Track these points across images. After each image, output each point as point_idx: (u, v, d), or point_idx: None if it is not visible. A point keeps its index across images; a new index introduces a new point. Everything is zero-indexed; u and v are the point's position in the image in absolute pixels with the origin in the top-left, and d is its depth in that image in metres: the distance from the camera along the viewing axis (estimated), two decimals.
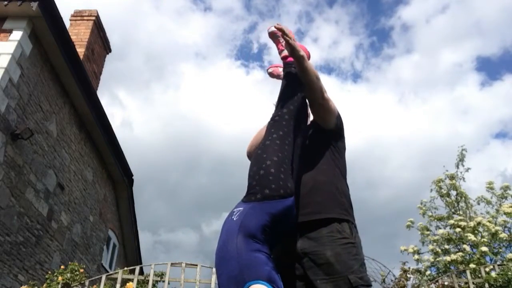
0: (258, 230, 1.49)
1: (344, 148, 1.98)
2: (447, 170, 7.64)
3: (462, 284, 4.95)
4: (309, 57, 2.08)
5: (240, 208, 1.58)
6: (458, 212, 7.29)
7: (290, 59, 1.98)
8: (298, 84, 1.86)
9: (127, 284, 4.35)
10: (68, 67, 6.82)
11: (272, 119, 1.82)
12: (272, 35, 2.06)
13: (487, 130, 43.90)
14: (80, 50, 8.27)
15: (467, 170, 7.53)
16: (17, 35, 5.74)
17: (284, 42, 1.76)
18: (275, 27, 1.70)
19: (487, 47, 39.15)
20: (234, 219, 1.55)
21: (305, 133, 2.04)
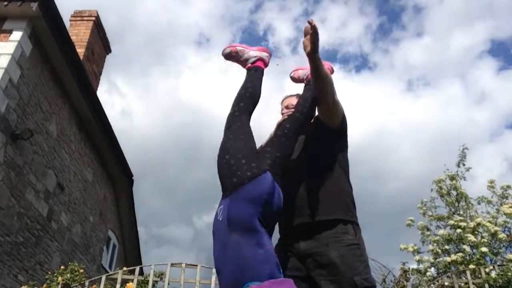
0: (249, 220, 1.47)
1: (346, 147, 1.99)
2: (447, 169, 7.65)
3: (462, 285, 4.94)
4: (332, 72, 2.11)
5: (221, 206, 1.58)
6: (458, 212, 7.29)
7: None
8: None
9: (127, 284, 4.35)
10: (68, 68, 6.82)
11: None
12: (228, 56, 2.10)
13: (501, 119, 42.44)
14: (80, 51, 8.27)
15: (468, 169, 7.54)
16: (17, 35, 5.74)
17: (306, 40, 1.70)
18: (308, 21, 1.65)
19: (501, 30, 37.57)
20: (220, 219, 1.54)
21: (308, 132, 2.05)
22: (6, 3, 5.64)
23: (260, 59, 2.07)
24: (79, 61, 7.21)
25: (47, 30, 6.09)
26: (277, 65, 2.24)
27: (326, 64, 2.00)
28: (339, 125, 1.91)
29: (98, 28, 9.23)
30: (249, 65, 2.06)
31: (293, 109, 2.08)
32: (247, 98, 1.91)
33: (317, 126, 1.96)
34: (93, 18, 8.99)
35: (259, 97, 1.97)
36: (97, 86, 9.47)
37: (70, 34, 7.22)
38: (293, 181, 1.87)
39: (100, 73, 9.66)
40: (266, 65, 2.09)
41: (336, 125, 1.91)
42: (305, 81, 2.18)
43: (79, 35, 8.73)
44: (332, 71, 2.11)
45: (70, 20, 8.93)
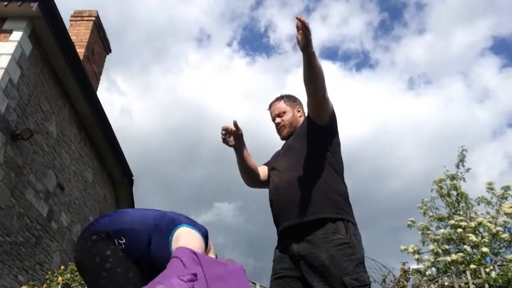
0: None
1: (338, 145, 1.96)
2: (447, 170, 7.66)
3: (462, 285, 4.95)
4: None
5: None
6: (458, 213, 7.29)
7: None
8: None
9: None
10: (68, 68, 6.81)
11: None
12: None
13: (503, 117, 42.11)
14: (80, 51, 8.26)
15: (468, 170, 7.55)
16: (17, 35, 5.74)
17: (299, 35, 1.66)
18: (297, 17, 1.60)
19: (503, 26, 37.23)
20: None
21: (296, 130, 2.04)
22: (6, 3, 5.64)
23: None
24: (79, 61, 7.20)
25: (47, 30, 6.08)
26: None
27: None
28: (327, 121, 1.89)
29: (98, 28, 9.23)
30: None
31: (284, 117, 2.06)
32: None
33: (307, 126, 1.95)
34: (93, 18, 8.98)
35: None
36: (97, 86, 9.47)
37: (70, 34, 7.22)
38: (281, 181, 1.87)
39: (100, 73, 9.66)
40: None
41: (325, 121, 1.88)
42: None
43: (79, 35, 8.72)
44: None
45: (70, 20, 8.93)
